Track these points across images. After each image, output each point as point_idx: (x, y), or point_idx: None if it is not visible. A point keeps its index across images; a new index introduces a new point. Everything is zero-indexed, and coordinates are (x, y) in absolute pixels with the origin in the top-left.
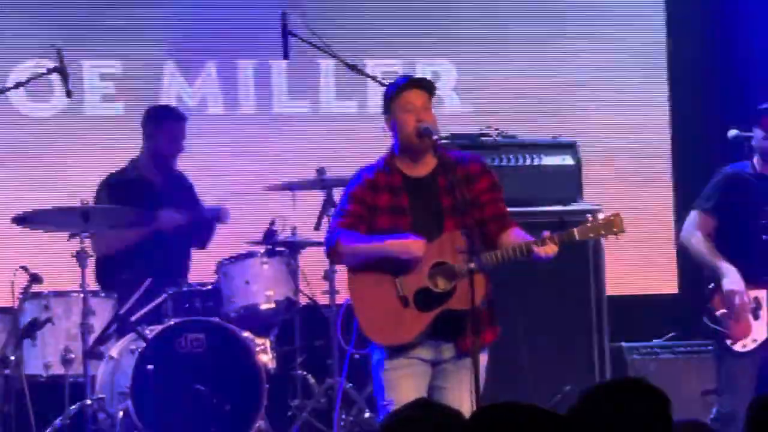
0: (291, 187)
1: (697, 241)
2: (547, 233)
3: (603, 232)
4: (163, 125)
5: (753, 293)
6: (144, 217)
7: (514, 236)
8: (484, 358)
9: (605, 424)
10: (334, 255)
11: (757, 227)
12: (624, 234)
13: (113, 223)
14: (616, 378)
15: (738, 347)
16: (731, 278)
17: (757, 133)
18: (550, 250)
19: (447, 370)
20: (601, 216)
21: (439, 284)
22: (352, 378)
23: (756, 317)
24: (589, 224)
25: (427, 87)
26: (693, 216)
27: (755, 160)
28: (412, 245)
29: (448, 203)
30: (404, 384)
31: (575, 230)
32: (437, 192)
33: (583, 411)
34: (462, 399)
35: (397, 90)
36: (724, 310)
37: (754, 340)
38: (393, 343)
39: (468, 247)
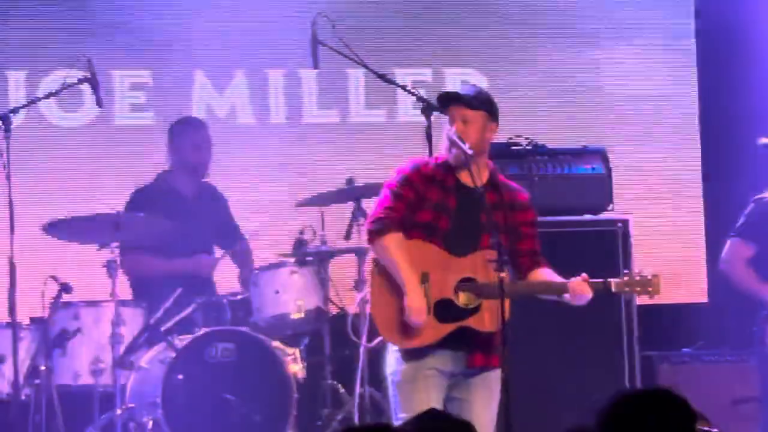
0: (321, 201)
1: (738, 269)
2: (585, 275)
3: (638, 290)
4: (184, 136)
5: None
6: (175, 228)
7: (546, 274)
8: (494, 377)
9: None
10: (374, 244)
11: None
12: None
13: (144, 233)
14: (644, 387)
15: None
16: None
17: None
18: (584, 289)
19: (465, 382)
20: (642, 272)
21: (462, 299)
22: (379, 386)
23: None
24: (626, 278)
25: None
26: (730, 244)
27: None
28: (415, 312)
29: (488, 220)
30: (416, 398)
31: (612, 282)
32: (482, 206)
33: (609, 418)
34: (478, 413)
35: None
36: None
37: None
38: (405, 346)
39: (499, 258)
